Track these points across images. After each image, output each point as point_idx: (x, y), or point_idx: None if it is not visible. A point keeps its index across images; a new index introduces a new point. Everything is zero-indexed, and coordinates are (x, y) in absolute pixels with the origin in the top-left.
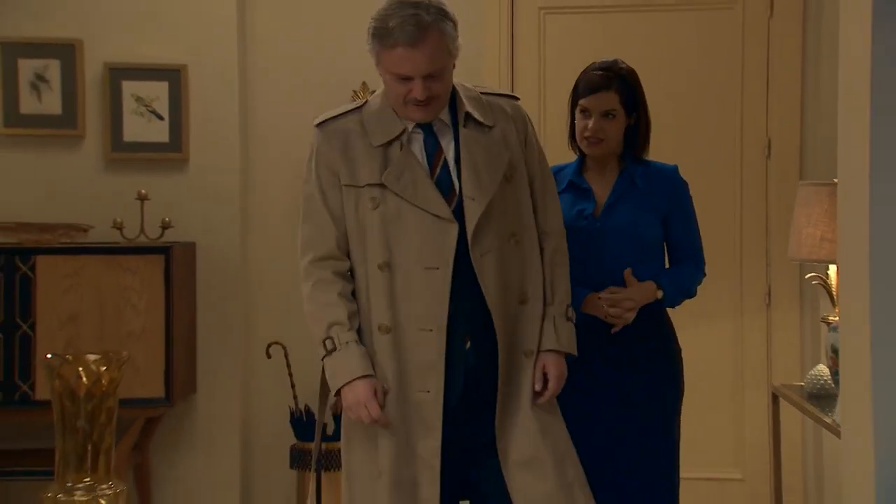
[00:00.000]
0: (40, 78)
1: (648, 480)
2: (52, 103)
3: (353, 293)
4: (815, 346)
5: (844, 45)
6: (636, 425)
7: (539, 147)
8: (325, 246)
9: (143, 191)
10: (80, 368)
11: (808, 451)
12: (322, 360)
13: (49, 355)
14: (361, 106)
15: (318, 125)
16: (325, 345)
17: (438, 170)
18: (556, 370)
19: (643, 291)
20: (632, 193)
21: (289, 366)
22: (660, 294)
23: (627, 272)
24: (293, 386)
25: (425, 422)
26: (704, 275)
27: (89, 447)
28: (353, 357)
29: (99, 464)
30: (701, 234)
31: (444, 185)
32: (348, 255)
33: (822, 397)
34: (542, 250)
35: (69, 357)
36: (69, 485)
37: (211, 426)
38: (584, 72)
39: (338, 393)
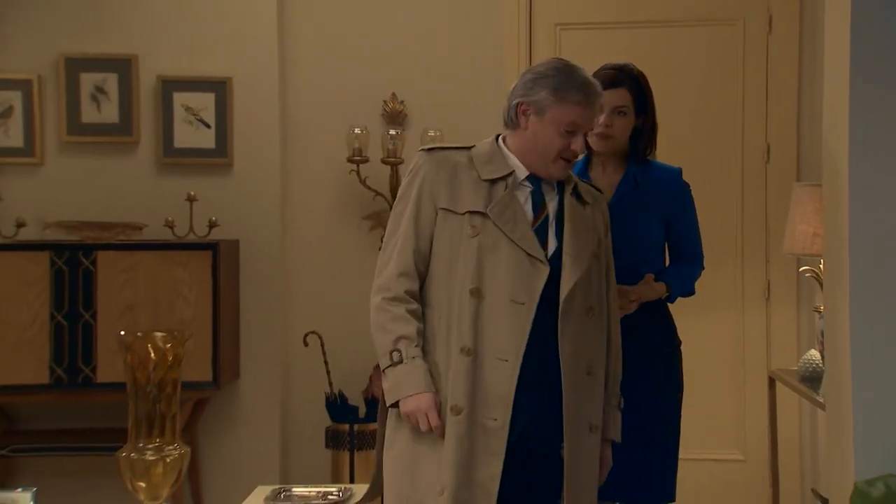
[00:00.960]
0: (100, 90)
1: (647, 466)
2: (110, 113)
3: (424, 313)
4: (810, 335)
5: (828, 66)
6: (636, 416)
7: (611, 244)
8: (403, 262)
9: (191, 192)
10: (149, 344)
11: (804, 431)
12: (384, 370)
13: (122, 332)
14: (469, 147)
15: (428, 150)
16: (391, 356)
17: (539, 222)
18: (608, 460)
19: (650, 289)
20: (634, 194)
21: (324, 353)
22: (666, 293)
23: (648, 277)
24: (328, 372)
25: (490, 448)
26: (703, 268)
27: (157, 413)
28: (420, 372)
29: (165, 428)
30: (704, 232)
31: (541, 238)
32: (420, 277)
33: (814, 379)
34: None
35: (140, 334)
36: (140, 445)
37: (253, 408)
38: (598, 71)
39: (395, 404)
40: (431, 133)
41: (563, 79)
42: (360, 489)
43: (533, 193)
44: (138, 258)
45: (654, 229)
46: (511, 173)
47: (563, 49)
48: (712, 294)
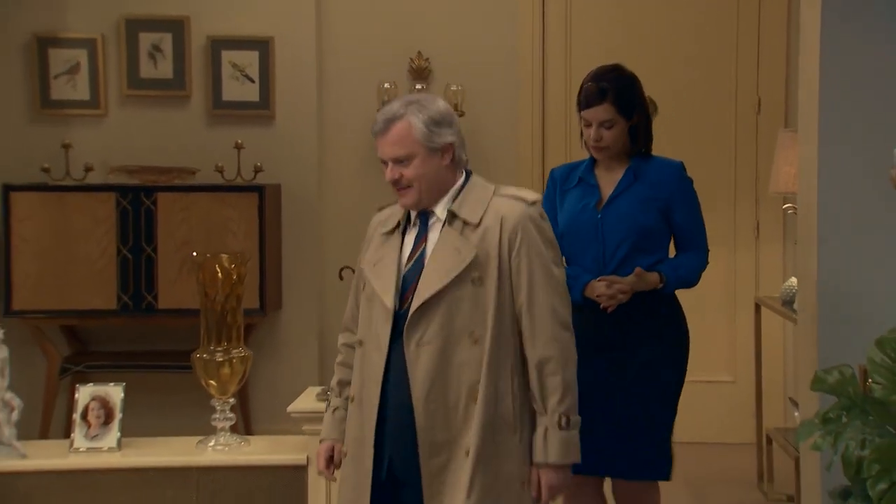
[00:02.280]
0: (156, 48)
1: (642, 447)
2: (165, 69)
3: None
4: (794, 266)
5: (804, 21)
6: (634, 396)
7: (539, 257)
8: (345, 317)
9: (238, 141)
10: (217, 264)
11: (787, 351)
12: None
13: (194, 253)
14: None
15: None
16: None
17: (413, 262)
18: (546, 481)
19: (640, 280)
20: (634, 187)
21: None
22: (661, 284)
23: (638, 271)
24: None
25: (357, 488)
26: (707, 263)
27: (224, 323)
28: (328, 421)
29: (231, 335)
30: (702, 177)
31: (412, 276)
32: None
33: (793, 302)
34: (526, 359)
35: (209, 255)
36: (211, 349)
37: (294, 334)
38: (583, 82)
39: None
40: (454, 87)
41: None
42: None
43: (418, 233)
44: (192, 199)
45: (651, 219)
46: (398, 224)
47: (574, 4)
48: (709, 232)
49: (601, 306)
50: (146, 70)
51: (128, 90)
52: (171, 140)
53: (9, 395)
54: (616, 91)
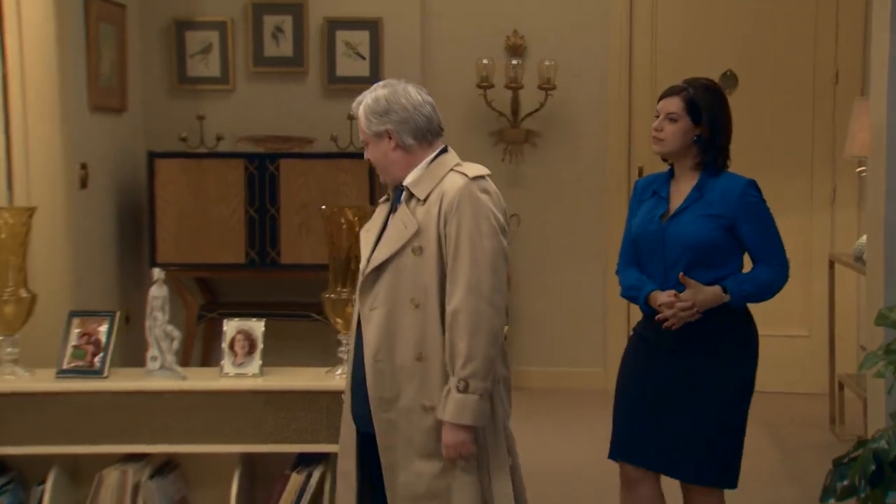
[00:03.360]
0: (278, 29)
1: (705, 452)
2: (286, 48)
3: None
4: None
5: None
6: (699, 404)
7: (466, 226)
8: None
9: (351, 112)
10: (342, 218)
11: (860, 304)
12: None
13: (323, 207)
14: None
15: None
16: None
17: (382, 231)
18: (444, 440)
19: (705, 296)
20: (698, 203)
21: None
22: (726, 297)
23: (681, 276)
24: None
25: (347, 436)
26: (784, 278)
27: (349, 268)
28: None
29: (354, 278)
30: (781, 147)
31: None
32: None
33: (864, 257)
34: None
35: (335, 209)
36: (338, 289)
37: None
38: None
39: None
40: (547, 63)
41: None
42: None
43: (392, 203)
44: (310, 165)
45: (713, 235)
46: (387, 196)
47: None
48: (787, 198)
49: (663, 326)
50: (269, 49)
51: (253, 67)
52: (292, 112)
53: (169, 328)
54: (692, 91)
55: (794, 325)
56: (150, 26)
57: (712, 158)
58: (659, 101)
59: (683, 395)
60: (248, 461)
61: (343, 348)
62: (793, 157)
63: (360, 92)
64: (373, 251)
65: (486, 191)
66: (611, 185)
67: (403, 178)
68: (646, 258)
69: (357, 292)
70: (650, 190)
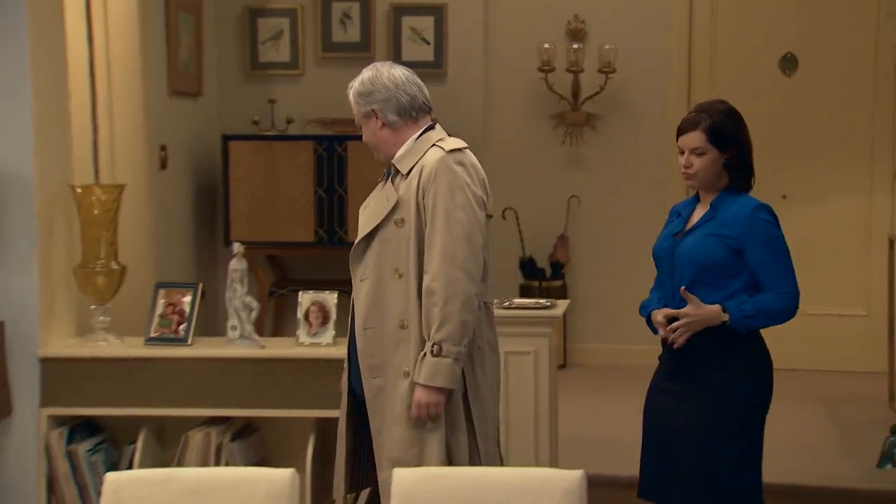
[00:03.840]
0: (346, 16)
1: (708, 481)
2: (353, 34)
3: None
4: None
5: None
6: (699, 430)
7: (441, 198)
8: None
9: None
10: None
11: None
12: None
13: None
14: None
15: None
16: None
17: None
18: (415, 399)
19: (704, 314)
20: (710, 223)
21: (519, 225)
22: (725, 317)
23: (682, 290)
24: (522, 240)
25: (344, 401)
26: (792, 307)
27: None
28: None
29: None
30: (839, 130)
31: None
32: None
33: None
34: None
35: None
36: None
37: None
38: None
39: None
40: (607, 46)
41: None
42: (562, 305)
43: (385, 180)
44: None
45: (717, 254)
46: (386, 172)
47: None
48: (847, 178)
49: (667, 343)
50: (337, 35)
51: (322, 53)
52: None
53: (248, 299)
54: (710, 121)
55: (853, 304)
56: (224, 14)
57: (739, 178)
58: (678, 136)
59: (690, 423)
60: (323, 425)
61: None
62: (853, 138)
63: (424, 76)
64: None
65: (461, 163)
66: (670, 167)
67: (395, 154)
68: (661, 276)
69: (350, 265)
70: (677, 212)
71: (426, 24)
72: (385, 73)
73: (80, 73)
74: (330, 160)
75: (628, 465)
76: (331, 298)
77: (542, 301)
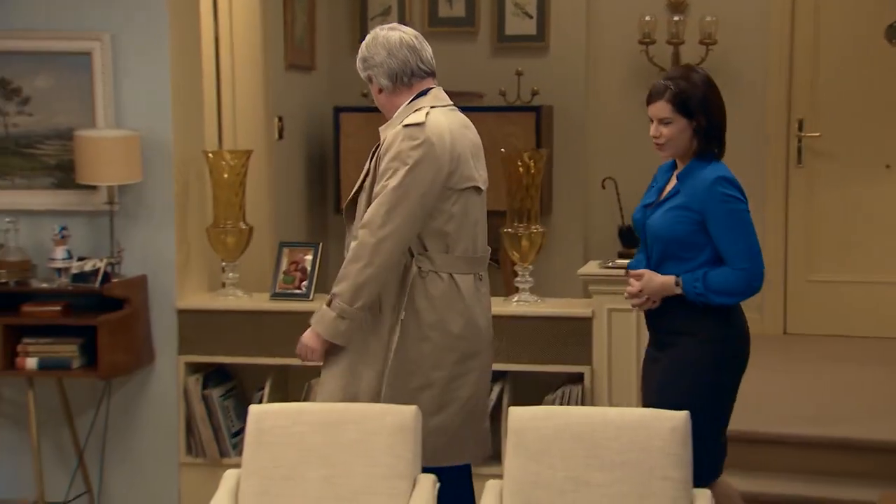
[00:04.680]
0: None
1: None
2: (459, 9)
3: None
4: None
5: None
6: (664, 394)
7: (383, 167)
8: None
9: (518, 69)
10: (518, 160)
11: None
12: None
13: (502, 150)
14: None
15: None
16: None
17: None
18: (301, 338)
19: (655, 287)
20: (677, 196)
21: (618, 194)
22: (678, 290)
23: (625, 271)
24: (621, 209)
25: None
26: (748, 284)
27: (524, 206)
28: None
29: (530, 215)
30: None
31: None
32: None
33: None
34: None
35: (513, 152)
36: (515, 224)
37: (561, 236)
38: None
39: None
40: (708, 18)
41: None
42: None
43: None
44: (480, 118)
45: (678, 227)
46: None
47: None
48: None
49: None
50: (443, 10)
51: (428, 28)
52: (463, 68)
53: None
54: (675, 89)
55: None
56: None
57: (708, 145)
58: (647, 105)
59: (654, 385)
60: None
61: (520, 278)
62: None
63: (527, 50)
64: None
65: (413, 137)
66: (771, 138)
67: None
68: (641, 243)
69: (344, 220)
70: (655, 179)
71: None
72: (381, 38)
73: (207, 49)
74: None
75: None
76: None
77: None
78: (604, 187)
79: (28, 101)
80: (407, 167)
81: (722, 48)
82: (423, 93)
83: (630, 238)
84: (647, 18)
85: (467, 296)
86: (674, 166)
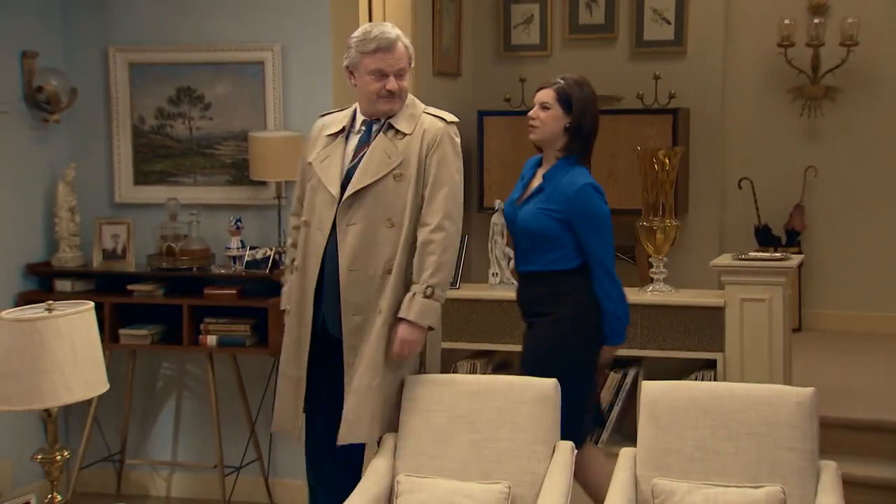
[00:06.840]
0: (592, 0)
1: None
2: (598, 16)
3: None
4: None
5: None
6: (532, 364)
7: (446, 163)
8: (294, 203)
9: (656, 73)
10: (654, 158)
11: None
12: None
13: (638, 147)
14: (349, 108)
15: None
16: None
17: (357, 159)
18: (401, 335)
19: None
20: (542, 194)
21: (754, 194)
22: (616, 351)
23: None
24: (757, 209)
25: (300, 340)
26: (604, 285)
27: (660, 200)
28: (285, 294)
29: (665, 209)
30: None
31: (354, 171)
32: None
33: None
34: (417, 239)
35: (648, 150)
36: (650, 218)
37: (699, 235)
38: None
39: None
40: (850, 20)
41: (361, 38)
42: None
43: (361, 138)
44: (619, 120)
45: (550, 227)
46: (343, 128)
47: None
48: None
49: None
50: (584, 18)
51: (569, 35)
52: (602, 73)
53: (507, 249)
54: (563, 84)
55: None
56: (480, 2)
57: (574, 146)
58: (535, 93)
59: (528, 355)
60: None
61: (654, 269)
62: None
63: (665, 54)
64: (345, 178)
65: (456, 134)
66: None
67: (369, 110)
68: (511, 236)
69: (329, 213)
70: (523, 175)
71: (667, 4)
72: (360, 32)
73: None
74: None
75: (864, 408)
76: None
77: (776, 254)
78: (740, 188)
79: (209, 106)
80: (461, 162)
81: (863, 49)
82: None
83: (767, 237)
84: (787, 21)
85: None
86: (539, 163)
